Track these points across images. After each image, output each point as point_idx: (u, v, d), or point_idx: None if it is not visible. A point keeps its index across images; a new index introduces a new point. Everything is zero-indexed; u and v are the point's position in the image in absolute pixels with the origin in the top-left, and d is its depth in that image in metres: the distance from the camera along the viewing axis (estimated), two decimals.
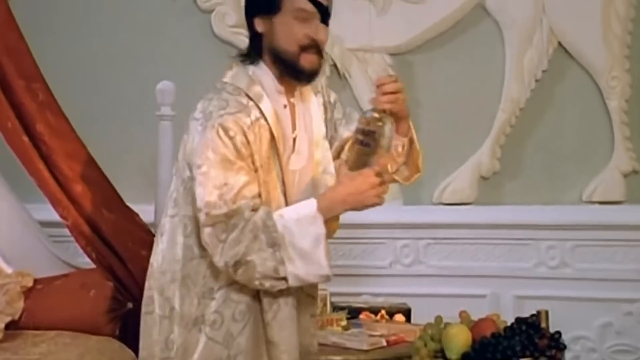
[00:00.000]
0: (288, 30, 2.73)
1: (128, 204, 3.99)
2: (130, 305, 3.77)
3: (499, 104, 4.46)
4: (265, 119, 2.73)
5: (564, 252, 4.43)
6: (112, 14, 4.54)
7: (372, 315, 3.86)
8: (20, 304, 3.81)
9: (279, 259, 2.65)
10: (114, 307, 3.81)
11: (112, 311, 3.80)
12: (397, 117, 2.78)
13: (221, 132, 2.66)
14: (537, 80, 4.47)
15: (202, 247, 2.74)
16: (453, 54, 4.49)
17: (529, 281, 4.42)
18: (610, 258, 4.41)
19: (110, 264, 3.87)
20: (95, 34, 4.53)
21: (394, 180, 2.94)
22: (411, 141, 2.91)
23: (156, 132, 4.01)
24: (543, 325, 3.08)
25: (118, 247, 3.87)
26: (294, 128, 2.83)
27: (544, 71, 4.47)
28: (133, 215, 3.96)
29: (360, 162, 2.73)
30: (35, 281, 3.87)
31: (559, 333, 3.03)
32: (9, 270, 3.93)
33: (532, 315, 3.10)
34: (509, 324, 3.08)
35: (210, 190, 2.65)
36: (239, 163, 2.67)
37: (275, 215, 2.68)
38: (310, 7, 2.73)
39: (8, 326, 3.74)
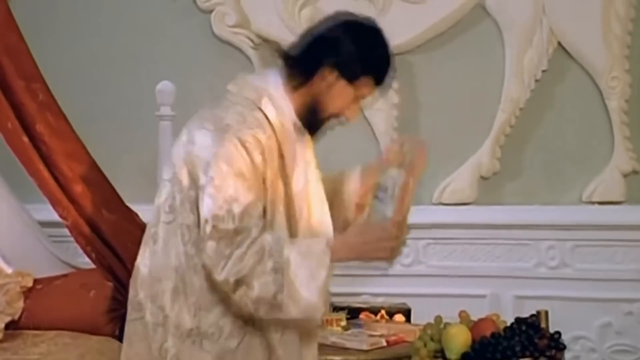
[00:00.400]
0: (342, 100, 2.73)
1: (128, 204, 3.99)
2: None
3: (499, 104, 4.45)
4: (277, 138, 2.70)
5: (564, 252, 4.42)
6: (112, 14, 4.53)
7: (372, 316, 3.86)
8: (20, 304, 3.81)
9: (279, 285, 2.60)
10: (113, 307, 3.81)
11: (112, 311, 3.81)
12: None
13: (239, 146, 2.62)
14: (537, 81, 4.46)
15: (201, 258, 2.67)
16: (453, 54, 4.48)
17: (528, 281, 4.42)
18: (610, 258, 4.40)
19: (110, 264, 3.87)
20: (95, 34, 4.53)
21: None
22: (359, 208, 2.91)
23: (156, 132, 4.02)
24: (543, 325, 3.09)
25: (118, 247, 3.86)
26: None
27: (543, 71, 4.46)
28: (133, 215, 3.95)
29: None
30: (35, 281, 3.88)
31: (558, 333, 3.04)
32: (9, 270, 3.93)
33: (532, 316, 3.10)
34: (508, 324, 3.09)
35: (220, 204, 2.60)
36: (252, 180, 2.63)
37: (285, 242, 2.65)
38: (372, 94, 2.76)
39: (8, 326, 3.75)
